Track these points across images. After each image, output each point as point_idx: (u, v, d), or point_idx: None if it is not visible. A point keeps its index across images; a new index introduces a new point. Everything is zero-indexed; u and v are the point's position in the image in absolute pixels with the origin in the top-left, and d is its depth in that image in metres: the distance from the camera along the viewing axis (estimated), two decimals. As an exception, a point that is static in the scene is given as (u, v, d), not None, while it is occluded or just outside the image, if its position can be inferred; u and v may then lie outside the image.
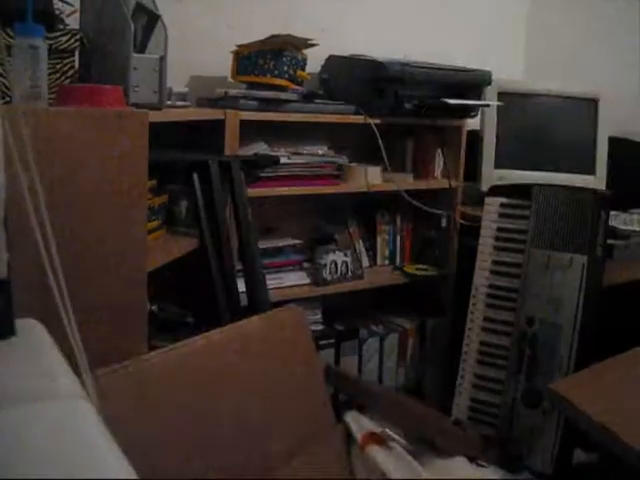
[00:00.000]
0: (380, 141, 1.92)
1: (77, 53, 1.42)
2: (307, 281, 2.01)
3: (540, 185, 1.84)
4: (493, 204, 1.90)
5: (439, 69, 1.99)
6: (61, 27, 1.40)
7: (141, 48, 1.44)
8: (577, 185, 1.88)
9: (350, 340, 2.05)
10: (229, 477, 1.14)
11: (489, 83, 2.07)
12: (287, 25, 1.96)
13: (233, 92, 1.80)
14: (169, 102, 1.57)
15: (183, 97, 1.77)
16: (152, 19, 1.45)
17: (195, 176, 1.48)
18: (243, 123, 1.74)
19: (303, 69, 1.92)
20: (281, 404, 1.31)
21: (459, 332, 2.24)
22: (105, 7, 1.40)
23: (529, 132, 2.22)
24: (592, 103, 2.20)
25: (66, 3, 1.47)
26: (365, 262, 2.22)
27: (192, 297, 1.75)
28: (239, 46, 1.86)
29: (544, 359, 1.76)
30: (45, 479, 0.44)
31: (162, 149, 1.37)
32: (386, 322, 2.20)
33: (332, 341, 2.02)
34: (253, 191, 1.75)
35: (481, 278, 1.92)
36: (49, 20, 1.33)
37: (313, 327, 2.06)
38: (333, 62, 2.07)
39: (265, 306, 1.59)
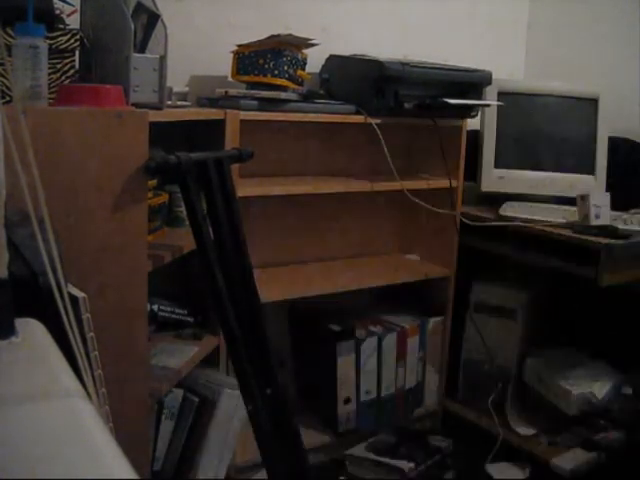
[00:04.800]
0: (382, 141, 1.92)
1: (77, 53, 1.42)
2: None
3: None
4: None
5: (439, 69, 1.99)
6: (61, 27, 1.40)
7: (141, 48, 1.44)
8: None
9: (347, 340, 2.05)
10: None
11: (489, 83, 2.06)
12: (287, 25, 1.97)
13: (233, 92, 1.80)
14: (169, 102, 1.57)
15: (183, 97, 1.77)
16: (152, 19, 1.46)
17: (194, 176, 1.47)
18: (243, 123, 1.74)
19: (303, 69, 1.92)
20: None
21: (459, 332, 2.25)
22: (105, 7, 1.40)
23: (529, 132, 2.22)
24: (592, 103, 2.20)
25: (66, 3, 1.48)
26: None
27: (192, 297, 1.75)
28: (239, 46, 1.86)
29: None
30: (45, 479, 0.44)
31: (162, 149, 1.37)
32: (384, 322, 2.20)
33: (329, 342, 2.02)
34: (244, 190, 1.75)
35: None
36: (49, 20, 1.33)
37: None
38: (333, 62, 2.07)
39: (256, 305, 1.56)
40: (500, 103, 2.12)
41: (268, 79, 1.84)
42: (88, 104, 1.24)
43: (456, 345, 2.26)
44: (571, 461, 1.94)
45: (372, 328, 2.14)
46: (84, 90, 1.29)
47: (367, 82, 1.93)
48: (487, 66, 2.08)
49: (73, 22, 1.47)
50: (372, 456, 2.01)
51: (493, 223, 2.01)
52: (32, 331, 0.70)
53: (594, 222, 1.83)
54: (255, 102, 1.79)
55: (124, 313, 1.26)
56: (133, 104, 1.36)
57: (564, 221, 1.92)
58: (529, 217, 1.97)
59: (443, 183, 2.13)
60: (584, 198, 1.86)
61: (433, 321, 2.23)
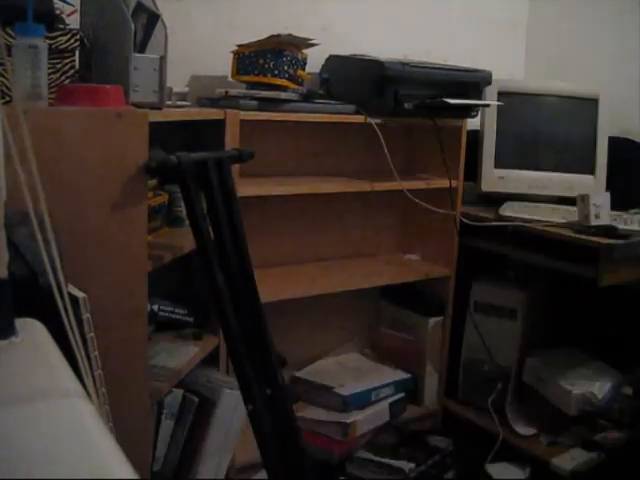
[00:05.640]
0: (382, 141, 1.92)
1: (77, 53, 1.42)
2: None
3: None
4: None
5: (439, 69, 1.99)
6: (61, 27, 1.40)
7: (141, 48, 1.44)
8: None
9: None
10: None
11: (489, 83, 2.06)
12: (287, 25, 1.96)
13: (233, 92, 1.80)
14: (169, 102, 1.57)
15: (183, 97, 1.77)
16: (152, 19, 1.45)
17: (194, 176, 1.47)
18: (243, 123, 1.74)
19: (303, 69, 1.92)
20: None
21: (459, 332, 2.25)
22: (105, 7, 1.40)
23: (529, 132, 2.22)
24: (592, 103, 2.20)
25: (66, 3, 1.48)
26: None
27: (192, 297, 1.75)
28: (239, 46, 1.86)
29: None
30: (45, 479, 0.44)
31: (162, 149, 1.37)
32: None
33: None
34: (244, 190, 1.75)
35: None
36: (49, 20, 1.33)
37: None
38: (333, 62, 2.07)
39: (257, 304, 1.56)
40: (500, 103, 2.12)
41: (268, 79, 1.84)
42: (88, 104, 1.24)
43: (456, 345, 2.26)
44: (571, 461, 1.94)
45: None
46: (84, 90, 1.29)
47: (367, 82, 1.93)
48: (487, 66, 2.08)
49: (73, 22, 1.47)
50: (372, 456, 2.01)
51: (493, 223, 2.01)
52: (32, 331, 0.70)
53: (594, 222, 1.83)
54: (255, 102, 1.79)
55: (124, 313, 1.26)
56: (133, 104, 1.36)
57: (564, 221, 1.92)
58: (529, 217, 1.97)
59: (443, 183, 2.13)
60: (584, 198, 1.86)
61: (433, 321, 2.23)
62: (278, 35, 1.80)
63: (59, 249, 0.68)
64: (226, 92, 1.81)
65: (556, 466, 1.93)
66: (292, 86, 1.88)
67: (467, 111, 2.08)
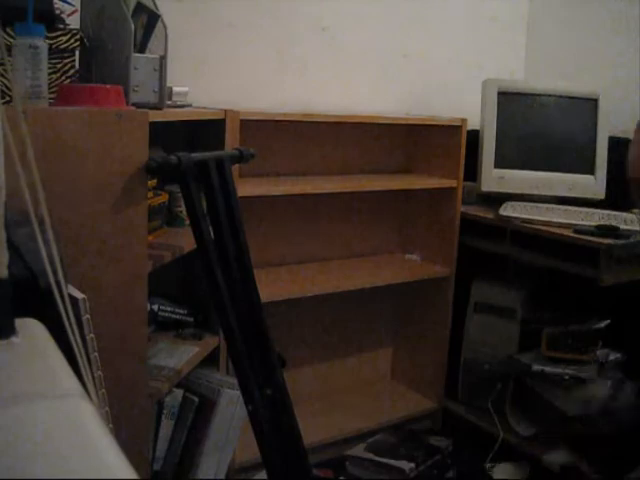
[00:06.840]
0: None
1: (77, 53, 1.42)
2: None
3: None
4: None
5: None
6: (61, 27, 1.40)
7: (141, 48, 1.44)
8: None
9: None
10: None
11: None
12: (287, 25, 1.96)
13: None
14: (169, 102, 1.57)
15: (183, 97, 1.77)
16: (152, 19, 1.45)
17: (194, 176, 1.47)
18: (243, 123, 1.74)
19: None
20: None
21: (459, 332, 2.25)
22: (105, 7, 1.40)
23: (529, 132, 2.22)
24: (592, 103, 2.20)
25: (66, 3, 1.47)
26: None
27: (192, 297, 1.75)
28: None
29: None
30: (45, 479, 0.44)
31: (162, 149, 1.37)
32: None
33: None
34: (245, 190, 1.75)
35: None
36: (49, 20, 1.33)
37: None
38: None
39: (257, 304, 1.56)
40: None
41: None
42: (88, 104, 1.24)
43: (456, 345, 2.26)
44: (566, 457, 1.94)
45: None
46: (84, 90, 1.29)
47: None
48: (487, 66, 2.08)
49: (73, 22, 1.47)
50: (372, 456, 2.01)
51: (493, 223, 2.01)
52: (32, 331, 0.70)
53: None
54: (255, 102, 1.79)
55: (124, 313, 1.26)
56: (133, 104, 1.36)
57: (564, 221, 1.92)
58: (529, 217, 1.97)
59: (443, 183, 2.13)
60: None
61: (434, 321, 2.23)
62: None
63: (59, 249, 0.68)
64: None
65: (555, 466, 1.93)
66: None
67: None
